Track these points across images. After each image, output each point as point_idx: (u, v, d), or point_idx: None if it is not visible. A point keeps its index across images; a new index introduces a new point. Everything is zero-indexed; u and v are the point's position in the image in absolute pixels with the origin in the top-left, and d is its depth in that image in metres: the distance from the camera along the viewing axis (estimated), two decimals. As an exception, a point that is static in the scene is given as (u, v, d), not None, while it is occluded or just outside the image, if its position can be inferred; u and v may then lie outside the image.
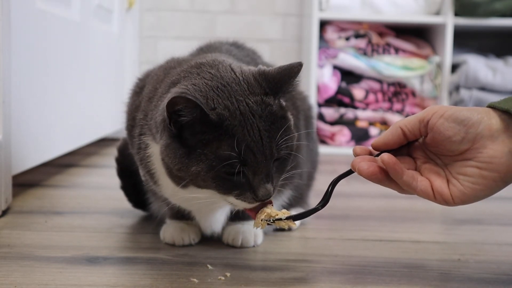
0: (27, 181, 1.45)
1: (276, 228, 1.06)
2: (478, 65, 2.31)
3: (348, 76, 2.41)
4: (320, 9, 2.36)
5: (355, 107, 2.41)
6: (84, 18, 1.72)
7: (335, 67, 2.40)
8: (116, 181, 1.15)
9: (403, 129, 0.76)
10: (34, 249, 0.92)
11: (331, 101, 2.41)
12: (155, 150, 0.85)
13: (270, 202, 0.79)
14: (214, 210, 0.92)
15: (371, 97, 2.40)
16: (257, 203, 0.77)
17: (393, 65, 2.37)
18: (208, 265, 0.85)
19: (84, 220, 1.13)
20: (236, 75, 0.76)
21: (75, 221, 1.12)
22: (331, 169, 1.82)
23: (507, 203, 1.37)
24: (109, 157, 1.69)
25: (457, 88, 2.37)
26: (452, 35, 2.34)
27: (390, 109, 2.42)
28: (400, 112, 2.42)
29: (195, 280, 0.79)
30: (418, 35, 2.57)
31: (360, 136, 2.37)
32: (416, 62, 2.39)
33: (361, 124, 2.40)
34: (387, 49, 2.43)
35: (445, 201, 0.74)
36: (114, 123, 2.08)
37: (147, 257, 0.89)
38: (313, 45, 2.35)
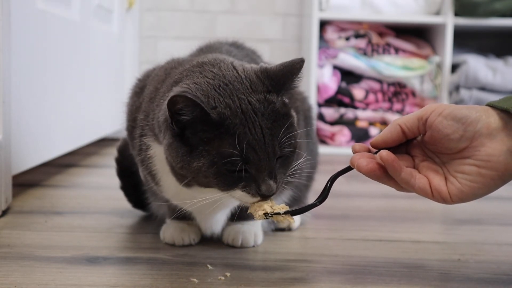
0: (27, 181, 1.45)
1: (277, 228, 1.06)
2: (478, 65, 2.31)
3: (348, 76, 2.41)
4: (320, 9, 2.36)
5: (355, 107, 2.41)
6: (84, 18, 1.72)
7: (335, 67, 2.40)
8: (116, 181, 1.16)
9: (402, 127, 0.76)
10: (34, 249, 0.92)
11: (331, 101, 2.41)
12: (156, 151, 0.85)
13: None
14: (215, 211, 0.92)
15: (371, 97, 2.40)
16: (260, 199, 0.76)
17: (393, 65, 2.37)
18: (208, 265, 0.85)
19: (84, 220, 1.13)
20: (238, 73, 0.76)
21: (75, 221, 1.12)
22: (331, 169, 1.82)
23: (507, 203, 1.37)
24: (109, 157, 1.69)
25: (457, 88, 2.37)
26: (452, 35, 2.34)
27: (390, 109, 2.42)
28: (400, 112, 2.42)
29: (195, 280, 0.79)
30: (418, 35, 2.57)
31: (360, 136, 2.37)
32: (416, 62, 2.39)
33: (361, 124, 2.40)
34: (387, 49, 2.43)
35: (443, 199, 0.74)
36: (114, 123, 2.08)
37: (147, 257, 0.89)
38: (313, 45, 2.35)
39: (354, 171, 0.79)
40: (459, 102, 2.33)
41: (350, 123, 2.40)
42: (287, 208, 0.78)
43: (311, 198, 1.15)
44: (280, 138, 0.74)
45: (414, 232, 1.10)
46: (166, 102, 0.73)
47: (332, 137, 2.39)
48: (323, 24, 2.46)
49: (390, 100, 2.42)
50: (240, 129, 0.72)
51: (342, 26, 2.44)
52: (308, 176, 1.11)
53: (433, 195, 0.74)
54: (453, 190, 0.73)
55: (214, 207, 0.81)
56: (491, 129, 0.72)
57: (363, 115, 2.40)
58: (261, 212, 0.77)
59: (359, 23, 2.44)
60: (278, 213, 0.77)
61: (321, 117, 2.40)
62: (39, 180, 1.50)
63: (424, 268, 0.87)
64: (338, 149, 2.34)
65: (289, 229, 1.07)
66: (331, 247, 0.98)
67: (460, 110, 0.73)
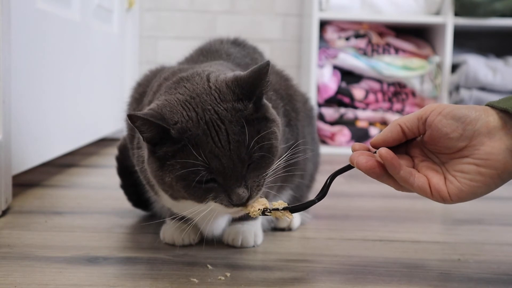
0: (27, 181, 1.45)
1: (277, 228, 1.06)
2: (478, 65, 2.31)
3: (348, 76, 2.41)
4: (320, 9, 2.37)
5: (355, 107, 2.41)
6: (84, 18, 1.72)
7: (335, 67, 2.40)
8: (116, 181, 1.16)
9: (402, 126, 0.76)
10: (34, 249, 0.92)
11: (331, 101, 2.41)
12: None
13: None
14: (217, 218, 0.92)
15: (371, 97, 2.40)
16: (237, 208, 0.76)
17: (393, 65, 2.37)
18: (208, 265, 0.85)
19: (84, 220, 1.13)
20: (209, 85, 0.77)
21: (75, 221, 1.12)
22: (331, 169, 1.82)
23: (507, 203, 1.37)
24: (109, 157, 1.69)
25: (457, 88, 2.37)
26: (452, 35, 2.35)
27: (390, 109, 2.42)
28: (400, 112, 2.42)
29: (195, 280, 0.79)
30: (418, 35, 2.57)
31: (360, 136, 2.37)
32: (416, 62, 2.39)
33: (361, 124, 2.40)
34: (387, 49, 2.43)
35: (442, 198, 0.74)
36: (114, 123, 2.08)
37: (147, 257, 0.89)
38: (313, 45, 2.35)
39: (354, 170, 0.79)
40: (459, 102, 2.33)
41: (350, 123, 2.40)
42: (285, 205, 0.78)
43: (312, 197, 1.15)
44: (249, 144, 0.74)
45: (414, 232, 1.10)
46: None
47: (332, 137, 2.39)
48: (323, 24, 2.46)
49: (390, 100, 2.43)
50: (202, 139, 0.73)
51: (342, 26, 2.44)
52: (310, 176, 1.12)
53: (432, 194, 0.74)
54: (452, 189, 0.73)
55: (215, 215, 0.81)
56: (490, 128, 0.72)
57: (363, 115, 2.40)
58: (257, 207, 0.77)
59: (359, 23, 2.44)
60: (277, 209, 0.77)
61: (321, 117, 2.40)
62: (39, 180, 1.50)
63: (424, 268, 0.87)
64: (338, 149, 2.34)
65: (289, 229, 1.07)
66: (331, 247, 0.98)
67: (459, 110, 0.73)
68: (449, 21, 2.33)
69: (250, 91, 0.75)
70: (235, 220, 0.96)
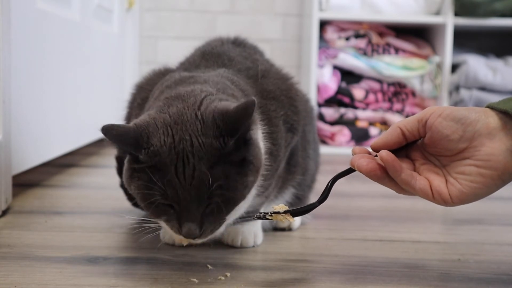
0: (27, 181, 1.45)
1: (277, 228, 1.06)
2: (478, 65, 2.31)
3: (348, 76, 2.41)
4: (320, 9, 2.37)
5: (355, 107, 2.41)
6: (84, 18, 1.72)
7: (335, 67, 2.40)
8: (116, 181, 1.15)
9: (402, 129, 0.76)
10: (34, 249, 0.92)
11: (331, 101, 2.41)
12: None
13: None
14: None
15: (371, 97, 2.40)
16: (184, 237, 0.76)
17: (393, 65, 2.37)
18: (208, 265, 0.85)
19: (84, 220, 1.13)
20: (199, 112, 0.76)
21: (75, 221, 1.12)
22: (331, 169, 1.82)
23: (507, 203, 1.37)
24: (109, 157, 1.69)
25: (457, 88, 2.37)
26: (452, 35, 2.35)
27: (390, 109, 2.42)
28: (400, 112, 2.42)
29: (195, 280, 0.79)
30: (418, 35, 2.57)
31: (360, 136, 2.38)
32: (416, 62, 2.39)
33: (361, 124, 2.40)
34: (387, 49, 2.43)
35: (443, 201, 0.74)
36: (114, 123, 2.08)
37: (147, 257, 0.89)
38: (313, 45, 2.35)
39: (355, 174, 0.79)
40: (459, 102, 2.33)
41: (350, 123, 2.40)
42: (286, 208, 0.78)
43: (313, 198, 1.15)
44: (211, 186, 0.72)
45: (414, 232, 1.10)
46: None
47: (332, 137, 2.39)
48: (323, 24, 2.46)
49: (390, 100, 2.43)
50: (166, 167, 0.73)
51: (342, 26, 2.44)
52: (311, 176, 1.12)
53: (434, 196, 0.74)
54: (453, 191, 0.73)
55: None
56: (490, 129, 0.72)
57: (363, 115, 2.40)
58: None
59: (359, 23, 2.44)
60: (278, 212, 0.77)
61: (321, 117, 2.40)
62: (39, 180, 1.50)
63: (424, 268, 0.87)
64: (338, 149, 2.34)
65: (289, 229, 1.07)
66: (331, 247, 0.98)
67: (459, 111, 0.73)
68: (449, 21, 2.33)
69: (234, 128, 0.74)
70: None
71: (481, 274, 0.85)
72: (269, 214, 0.77)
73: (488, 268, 0.88)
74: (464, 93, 2.32)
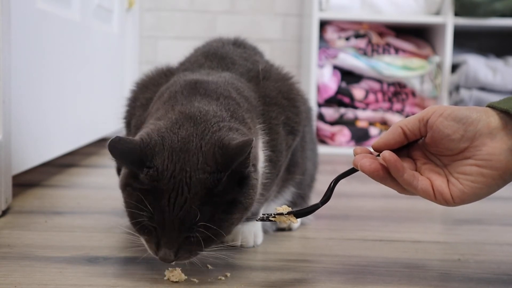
0: (27, 181, 1.45)
1: (277, 228, 1.06)
2: (478, 65, 2.31)
3: (348, 76, 2.41)
4: (320, 9, 2.37)
5: (355, 107, 2.41)
6: (84, 18, 1.72)
7: (335, 67, 2.40)
8: (116, 181, 1.15)
9: (403, 128, 0.76)
10: (34, 249, 0.92)
11: (331, 101, 2.41)
12: None
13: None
14: None
15: (371, 97, 2.40)
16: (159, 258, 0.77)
17: (393, 65, 2.37)
18: (208, 265, 0.85)
19: (84, 220, 1.13)
20: (202, 143, 0.76)
21: (75, 221, 1.12)
22: (331, 169, 1.82)
23: (507, 203, 1.37)
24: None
25: (457, 88, 2.37)
26: (452, 35, 2.35)
27: (390, 109, 2.42)
28: (400, 112, 2.42)
29: (195, 280, 0.79)
30: (418, 35, 2.57)
31: (360, 136, 2.38)
32: (416, 62, 2.39)
33: (361, 124, 2.40)
34: (387, 49, 2.43)
35: (445, 201, 0.74)
36: (114, 123, 2.08)
37: (147, 257, 0.89)
38: (313, 45, 2.35)
39: (356, 174, 0.78)
40: (459, 102, 2.33)
41: (350, 123, 2.40)
42: (289, 209, 0.78)
43: (313, 197, 1.15)
44: (196, 222, 0.73)
45: (414, 232, 1.10)
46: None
47: (332, 137, 2.39)
48: (323, 24, 2.46)
49: (390, 100, 2.42)
50: (161, 193, 0.73)
51: (342, 26, 2.44)
52: (310, 176, 1.12)
53: (436, 197, 0.74)
54: (455, 191, 0.73)
55: None
56: (491, 128, 0.72)
57: (363, 115, 2.40)
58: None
59: (359, 23, 2.44)
60: (281, 214, 0.77)
61: (321, 117, 2.40)
62: (39, 180, 1.50)
63: (424, 268, 0.87)
64: (338, 149, 2.34)
65: (289, 229, 1.07)
66: (331, 247, 0.98)
67: (460, 111, 0.73)
68: (449, 21, 2.33)
69: (228, 163, 0.74)
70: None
71: (481, 274, 0.85)
72: (273, 215, 0.77)
73: (488, 268, 0.88)
74: (464, 93, 2.32)
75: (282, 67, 1.06)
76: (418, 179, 0.74)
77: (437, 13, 2.42)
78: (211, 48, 1.03)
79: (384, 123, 2.42)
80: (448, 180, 0.75)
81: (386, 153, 0.73)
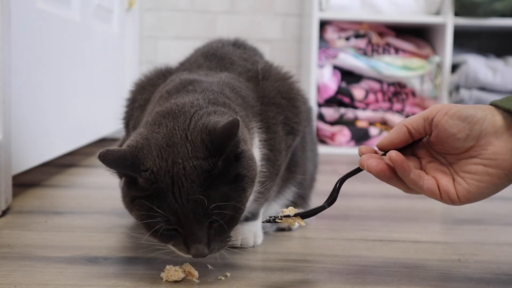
0: (27, 181, 1.45)
1: (277, 228, 1.06)
2: (478, 65, 2.31)
3: (348, 76, 2.41)
4: (320, 9, 2.37)
5: (355, 107, 2.41)
6: (84, 18, 1.72)
7: (335, 67, 2.40)
8: (115, 181, 1.15)
9: (408, 127, 0.76)
10: (34, 249, 0.92)
11: (331, 101, 2.41)
12: None
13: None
14: None
15: (371, 97, 2.40)
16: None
17: (393, 65, 2.37)
18: (208, 265, 0.85)
19: (84, 220, 1.13)
20: (187, 133, 0.76)
21: (75, 221, 1.12)
22: (331, 169, 1.82)
23: (507, 203, 1.37)
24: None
25: (457, 88, 2.37)
26: (452, 35, 2.35)
27: (390, 109, 2.42)
28: (400, 112, 2.42)
29: (195, 280, 0.79)
30: (418, 35, 2.57)
31: (360, 136, 2.37)
32: (416, 62, 2.39)
33: (361, 124, 2.40)
34: (387, 49, 2.43)
35: (451, 200, 0.74)
36: (114, 123, 2.08)
37: (147, 257, 0.89)
38: (313, 45, 2.35)
39: (358, 173, 0.78)
40: (459, 102, 2.33)
41: (350, 123, 2.40)
42: (295, 211, 0.77)
43: (313, 197, 1.15)
44: (208, 206, 0.73)
45: (414, 232, 1.10)
46: None
47: (332, 137, 2.39)
48: (323, 24, 2.46)
49: (390, 100, 2.43)
50: (164, 193, 0.73)
51: (342, 26, 2.44)
52: (311, 177, 1.12)
53: (442, 196, 0.74)
54: (460, 191, 0.73)
55: None
56: (497, 128, 0.72)
57: (363, 115, 2.40)
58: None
59: (359, 23, 2.44)
60: (288, 216, 0.77)
61: (321, 117, 2.40)
62: (39, 180, 1.50)
63: (424, 268, 0.87)
64: (338, 149, 2.34)
65: (289, 229, 1.07)
66: (331, 247, 0.98)
67: (465, 110, 0.73)
68: (449, 21, 2.33)
69: (220, 148, 0.74)
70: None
71: (481, 274, 0.85)
72: (279, 217, 0.77)
73: (488, 268, 0.88)
74: (464, 93, 2.32)
75: (282, 66, 1.06)
76: (424, 179, 0.74)
77: (437, 13, 2.42)
78: (211, 49, 1.03)
79: (384, 123, 2.42)
80: (453, 179, 0.74)
81: (393, 153, 0.73)
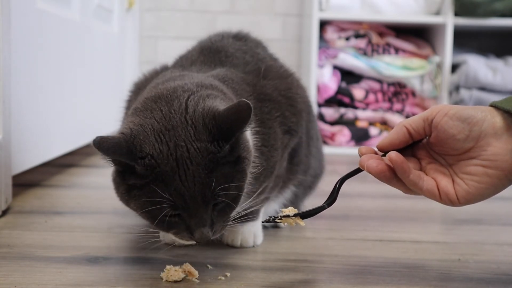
0: (27, 181, 1.45)
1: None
2: (478, 65, 2.31)
3: (348, 76, 2.41)
4: (320, 9, 2.36)
5: (355, 107, 2.41)
6: (84, 18, 1.72)
7: (335, 67, 2.40)
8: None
9: (408, 128, 0.76)
10: (34, 249, 0.92)
11: (331, 101, 2.41)
12: None
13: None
14: None
15: (371, 97, 2.40)
16: (195, 242, 0.76)
17: (393, 65, 2.37)
18: (208, 265, 0.85)
19: (84, 220, 1.13)
20: (187, 116, 0.75)
21: (75, 221, 1.12)
22: (331, 169, 1.82)
23: (507, 203, 1.37)
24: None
25: (457, 88, 2.37)
26: (452, 35, 2.35)
27: (390, 109, 2.42)
28: (400, 112, 2.42)
29: (195, 280, 0.79)
30: (418, 35, 2.57)
31: (360, 136, 2.37)
32: (416, 62, 2.39)
33: (361, 124, 2.40)
34: (387, 49, 2.43)
35: (450, 201, 0.74)
36: (114, 123, 2.08)
37: (147, 257, 0.89)
38: (313, 45, 2.35)
39: (358, 173, 0.78)
40: (459, 102, 2.33)
41: (350, 123, 2.40)
42: (295, 211, 0.77)
43: (314, 197, 1.15)
44: (214, 188, 0.72)
45: (414, 232, 1.10)
46: None
47: (332, 137, 2.39)
48: (323, 24, 2.46)
49: (390, 100, 2.42)
50: (169, 176, 0.71)
51: (342, 26, 2.44)
52: (312, 177, 1.11)
53: (441, 197, 0.74)
54: (460, 192, 0.73)
55: None
56: (497, 129, 0.72)
57: (363, 115, 2.40)
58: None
59: (359, 23, 2.44)
60: (288, 216, 0.77)
61: (321, 117, 2.40)
62: (39, 180, 1.50)
63: (424, 268, 0.87)
64: (338, 149, 2.34)
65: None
66: (331, 247, 0.98)
67: (465, 111, 0.73)
68: (449, 21, 2.33)
69: (228, 133, 0.73)
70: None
71: (481, 274, 0.85)
72: (279, 217, 0.77)
73: (488, 268, 0.88)
74: (464, 93, 2.32)
75: (284, 64, 1.06)
76: (423, 180, 0.74)
77: (437, 13, 2.42)
78: (208, 43, 1.02)
79: (384, 123, 2.42)
80: (453, 180, 0.74)
81: (393, 154, 0.73)
